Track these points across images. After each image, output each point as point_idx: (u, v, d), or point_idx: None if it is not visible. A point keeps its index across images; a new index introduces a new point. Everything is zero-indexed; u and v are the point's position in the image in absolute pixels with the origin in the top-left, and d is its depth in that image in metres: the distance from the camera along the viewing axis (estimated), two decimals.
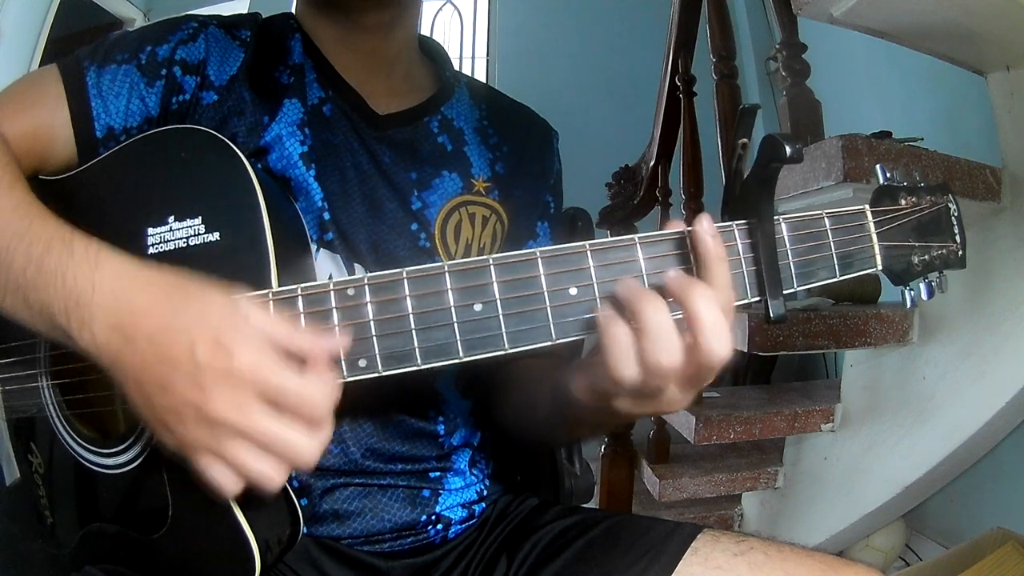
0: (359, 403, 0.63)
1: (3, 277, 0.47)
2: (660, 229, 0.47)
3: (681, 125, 1.86)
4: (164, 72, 0.62)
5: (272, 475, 0.41)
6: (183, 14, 0.66)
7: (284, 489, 0.55)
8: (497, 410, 0.71)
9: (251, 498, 0.44)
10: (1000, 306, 1.28)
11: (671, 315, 0.42)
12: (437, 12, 4.09)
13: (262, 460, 0.41)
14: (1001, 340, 1.28)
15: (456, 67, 0.79)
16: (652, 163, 2.01)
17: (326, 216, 0.63)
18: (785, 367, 2.74)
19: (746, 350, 1.37)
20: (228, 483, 0.42)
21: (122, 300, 0.43)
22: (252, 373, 0.40)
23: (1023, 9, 1.03)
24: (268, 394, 0.40)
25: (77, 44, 0.64)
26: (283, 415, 0.41)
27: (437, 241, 0.67)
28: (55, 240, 0.46)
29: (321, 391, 0.41)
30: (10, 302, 0.48)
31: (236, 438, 0.41)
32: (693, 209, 1.75)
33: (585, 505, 0.78)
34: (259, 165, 0.52)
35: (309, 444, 0.41)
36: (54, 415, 0.60)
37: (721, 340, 0.41)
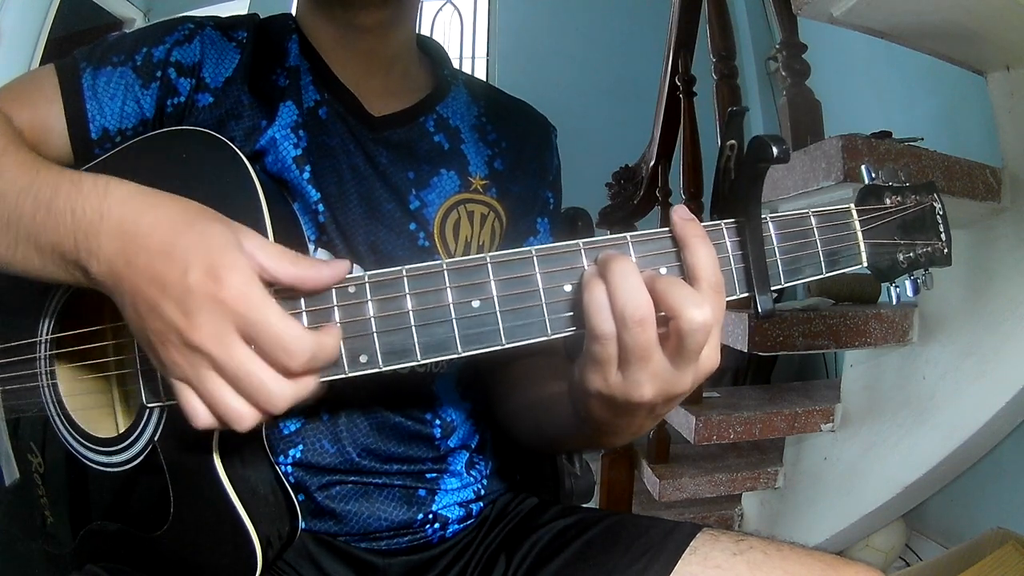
0: (357, 403, 0.64)
1: (14, 231, 0.47)
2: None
3: (681, 125, 1.86)
4: (159, 74, 0.62)
5: (241, 413, 0.41)
6: (180, 15, 0.66)
7: (282, 484, 0.55)
8: (499, 411, 0.71)
9: (251, 492, 0.44)
10: (1000, 306, 1.28)
11: (639, 272, 0.42)
12: (437, 12, 4.10)
13: (233, 397, 0.41)
14: (1001, 340, 1.28)
15: (456, 67, 0.79)
16: (652, 163, 2.01)
17: (322, 219, 0.63)
18: (785, 367, 2.75)
19: (746, 350, 1.37)
20: (200, 415, 0.42)
21: (128, 222, 0.43)
22: (237, 303, 0.40)
23: (1023, 9, 1.03)
24: (247, 327, 0.40)
25: (77, 44, 0.64)
26: (260, 355, 0.41)
27: (436, 240, 0.67)
28: (63, 181, 0.46)
29: (298, 338, 0.41)
30: (22, 254, 0.47)
31: (211, 369, 0.41)
32: (693, 209, 1.75)
33: (585, 505, 0.78)
34: (256, 167, 0.52)
35: (279, 390, 0.41)
36: (54, 414, 0.60)
37: (689, 302, 0.41)
